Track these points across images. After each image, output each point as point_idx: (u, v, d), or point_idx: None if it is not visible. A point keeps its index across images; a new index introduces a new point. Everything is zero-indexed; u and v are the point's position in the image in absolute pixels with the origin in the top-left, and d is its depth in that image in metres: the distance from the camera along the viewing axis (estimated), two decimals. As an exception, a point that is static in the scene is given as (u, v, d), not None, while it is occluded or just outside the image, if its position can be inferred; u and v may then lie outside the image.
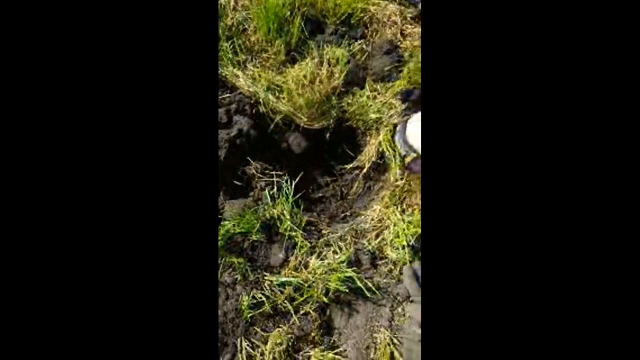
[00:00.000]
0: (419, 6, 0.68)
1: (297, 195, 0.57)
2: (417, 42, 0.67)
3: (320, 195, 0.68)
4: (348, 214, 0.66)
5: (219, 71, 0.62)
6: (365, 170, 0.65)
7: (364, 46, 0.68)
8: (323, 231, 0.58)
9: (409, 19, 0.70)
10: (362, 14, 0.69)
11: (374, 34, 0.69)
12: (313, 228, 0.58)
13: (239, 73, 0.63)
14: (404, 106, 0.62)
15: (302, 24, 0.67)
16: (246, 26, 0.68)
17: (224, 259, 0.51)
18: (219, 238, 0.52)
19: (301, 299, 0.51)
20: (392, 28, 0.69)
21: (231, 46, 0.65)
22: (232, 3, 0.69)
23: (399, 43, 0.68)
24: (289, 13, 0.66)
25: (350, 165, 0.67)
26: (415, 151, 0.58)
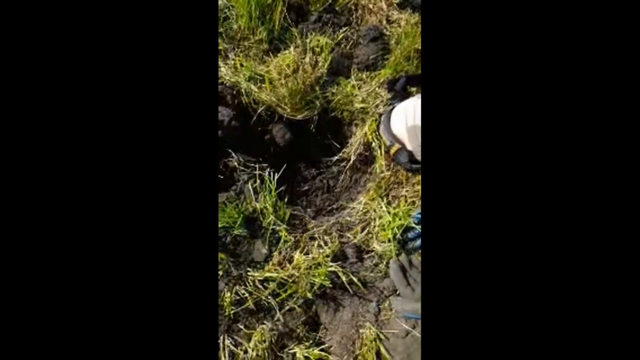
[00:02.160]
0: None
1: (281, 189, 0.54)
2: (403, 29, 0.63)
3: (306, 188, 0.65)
4: (335, 206, 0.63)
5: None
6: (351, 162, 0.62)
7: (349, 34, 0.64)
8: (308, 225, 0.55)
9: (395, 5, 0.66)
10: (346, 1, 0.65)
11: (359, 20, 0.65)
12: (298, 222, 0.55)
13: (220, 63, 0.59)
14: (389, 95, 0.59)
15: (285, 11, 0.62)
16: (227, 14, 0.63)
17: (203, 256, 0.48)
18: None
19: (285, 294, 0.48)
20: (378, 14, 0.65)
21: (211, 35, 0.61)
22: (211, -10, 0.64)
23: (384, 30, 0.64)
24: (271, 0, 0.62)
25: (336, 157, 0.63)
26: (399, 141, 0.54)
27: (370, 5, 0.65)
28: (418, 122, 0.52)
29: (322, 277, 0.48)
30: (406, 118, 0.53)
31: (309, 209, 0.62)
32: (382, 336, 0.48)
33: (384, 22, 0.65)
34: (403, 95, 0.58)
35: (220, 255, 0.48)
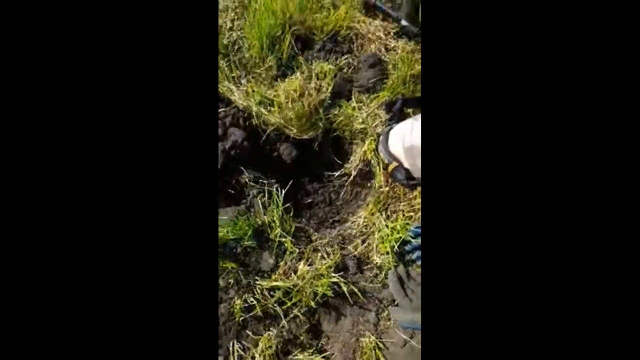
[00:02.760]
0: (402, 22, 0.69)
1: (287, 204, 0.58)
2: (400, 56, 0.68)
3: (310, 201, 0.69)
4: (336, 219, 0.66)
5: (218, 87, 0.63)
6: (352, 177, 0.66)
7: (350, 60, 0.69)
8: (312, 237, 0.58)
9: (392, 34, 0.71)
10: (348, 31, 0.71)
11: (360, 48, 0.70)
12: (302, 234, 0.59)
13: (234, 88, 0.64)
14: (387, 116, 0.63)
15: (292, 41, 0.68)
16: (241, 44, 0.70)
17: (218, 264, 0.52)
18: (213, 245, 0.52)
19: (290, 303, 0.51)
20: (377, 43, 0.70)
21: (227, 63, 0.67)
22: (228, 24, 0.71)
23: (383, 57, 0.69)
24: (280, 32, 0.68)
25: (338, 173, 0.67)
26: (397, 160, 0.58)
27: (370, 35, 0.71)
28: (414, 142, 0.56)
29: (325, 287, 0.51)
30: (403, 139, 0.57)
31: (312, 221, 0.65)
32: (381, 345, 0.50)
33: (382, 49, 0.70)
34: (400, 116, 0.63)
35: (231, 264, 0.52)
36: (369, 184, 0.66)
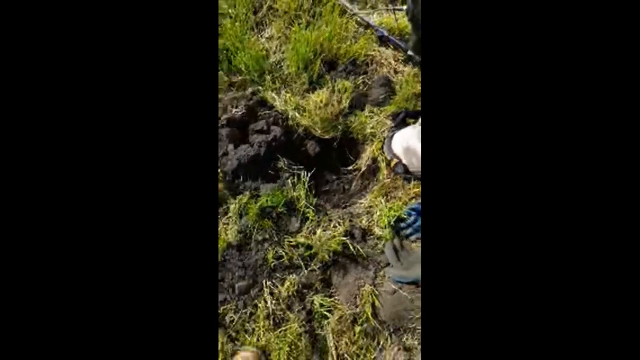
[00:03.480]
0: (408, 52, 0.87)
1: (310, 183, 0.76)
2: (405, 78, 0.86)
3: (327, 189, 0.86)
4: (348, 204, 0.83)
5: (264, 94, 0.84)
6: (362, 172, 0.83)
7: (365, 80, 0.87)
8: (327, 211, 0.76)
9: (400, 61, 0.90)
10: (365, 58, 0.90)
11: (373, 71, 0.89)
12: (320, 208, 0.76)
13: (276, 97, 0.84)
14: (392, 124, 0.80)
15: (321, 64, 0.88)
16: (282, 64, 0.91)
17: (258, 223, 0.70)
18: (256, 211, 0.70)
19: (308, 253, 0.68)
20: (387, 67, 0.89)
21: (271, 78, 0.88)
22: (273, 48, 0.92)
23: (391, 78, 0.87)
24: (312, 56, 0.88)
25: (351, 167, 0.84)
26: (397, 157, 0.75)
27: (382, 61, 0.90)
28: (411, 144, 0.73)
29: (337, 244, 0.67)
30: (403, 142, 0.74)
31: (327, 204, 0.82)
32: (376, 292, 0.65)
33: (392, 72, 0.89)
34: (402, 125, 0.80)
35: (268, 223, 0.70)
36: (375, 178, 0.82)
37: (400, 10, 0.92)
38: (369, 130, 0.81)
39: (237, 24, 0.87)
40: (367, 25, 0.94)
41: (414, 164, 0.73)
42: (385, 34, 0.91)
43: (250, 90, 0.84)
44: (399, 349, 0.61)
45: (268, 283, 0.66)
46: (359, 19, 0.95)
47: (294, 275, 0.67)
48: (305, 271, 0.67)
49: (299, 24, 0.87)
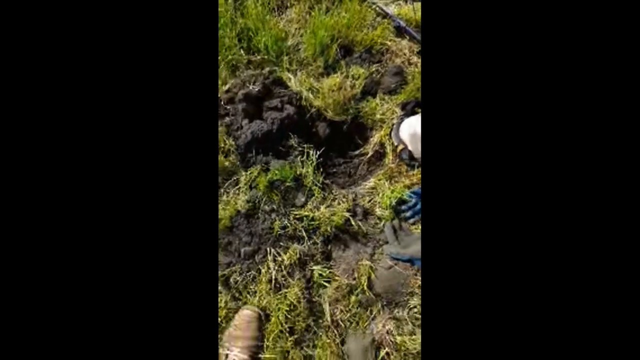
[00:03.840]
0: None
1: (318, 160, 0.79)
2: (418, 69, 0.88)
3: (334, 171, 0.89)
4: (352, 187, 0.87)
5: (280, 74, 0.87)
6: (369, 156, 0.86)
7: (379, 68, 0.90)
8: (332, 190, 0.79)
9: (415, 52, 0.92)
10: (381, 46, 0.92)
11: (388, 60, 0.91)
12: (326, 187, 0.79)
13: (292, 77, 0.87)
14: (402, 113, 0.83)
15: (337, 49, 0.90)
16: (299, 47, 0.93)
17: (266, 195, 0.74)
18: (265, 184, 0.74)
19: (312, 226, 0.72)
20: (402, 57, 0.91)
21: (289, 60, 0.90)
22: (292, 31, 0.94)
23: (405, 69, 0.89)
24: (329, 41, 0.90)
25: (358, 152, 0.87)
26: (404, 143, 0.78)
27: (397, 51, 0.92)
28: (418, 131, 0.75)
29: (339, 218, 0.71)
30: (409, 128, 0.77)
31: (333, 185, 0.86)
32: (374, 267, 0.69)
33: (406, 63, 0.91)
34: (411, 113, 0.82)
35: (276, 195, 0.73)
36: (381, 163, 0.85)
37: (419, 1, 0.94)
38: (378, 116, 0.84)
39: (259, 4, 0.90)
40: (385, 15, 0.95)
41: (419, 150, 0.76)
42: (403, 24, 0.92)
43: (267, 69, 0.87)
44: (389, 318, 0.65)
45: (272, 250, 0.70)
46: (377, 9, 0.96)
47: (297, 245, 0.71)
48: (308, 243, 0.71)
49: (319, 9, 0.89)
